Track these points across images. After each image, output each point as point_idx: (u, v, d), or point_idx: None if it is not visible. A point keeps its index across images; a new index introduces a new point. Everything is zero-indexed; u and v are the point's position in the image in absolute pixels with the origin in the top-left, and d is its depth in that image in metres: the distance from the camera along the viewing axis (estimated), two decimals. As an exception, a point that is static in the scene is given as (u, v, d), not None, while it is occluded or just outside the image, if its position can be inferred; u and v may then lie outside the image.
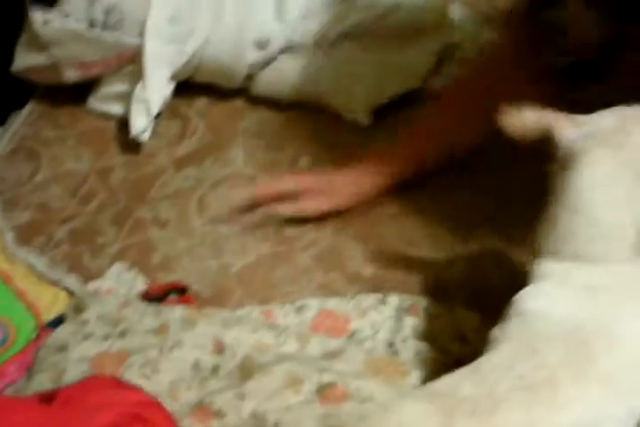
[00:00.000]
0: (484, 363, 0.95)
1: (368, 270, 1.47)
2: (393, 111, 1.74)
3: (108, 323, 1.35)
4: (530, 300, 0.98)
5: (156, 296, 1.45)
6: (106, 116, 1.86)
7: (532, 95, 1.15)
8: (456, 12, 1.89)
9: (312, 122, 1.79)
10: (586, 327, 0.92)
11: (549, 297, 0.97)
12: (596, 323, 0.92)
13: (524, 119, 1.06)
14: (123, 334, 1.33)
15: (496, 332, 1.00)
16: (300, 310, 1.39)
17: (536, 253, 1.03)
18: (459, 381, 0.93)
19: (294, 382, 1.19)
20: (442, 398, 0.91)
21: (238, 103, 1.86)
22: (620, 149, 0.98)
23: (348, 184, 1.53)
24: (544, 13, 1.26)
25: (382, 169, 1.52)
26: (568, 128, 1.02)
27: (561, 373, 0.88)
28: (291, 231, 1.56)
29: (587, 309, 0.93)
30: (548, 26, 1.25)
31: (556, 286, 0.98)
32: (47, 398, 1.13)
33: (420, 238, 1.51)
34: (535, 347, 0.92)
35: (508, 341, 0.96)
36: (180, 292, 1.47)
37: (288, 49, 1.78)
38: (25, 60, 1.83)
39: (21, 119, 1.89)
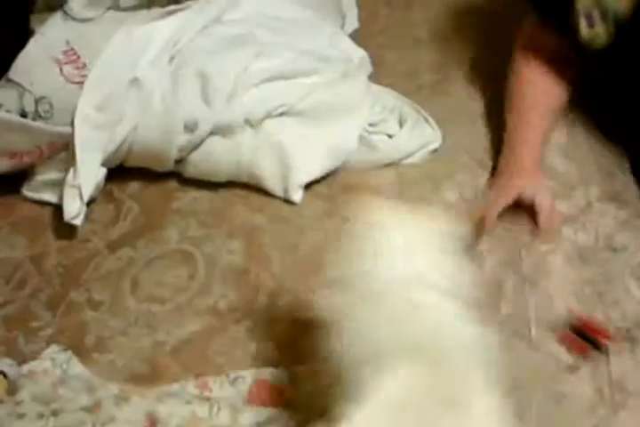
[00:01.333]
0: None
1: (302, 339, 1.48)
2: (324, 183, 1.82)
3: (42, 403, 1.35)
4: None
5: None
6: (40, 204, 1.88)
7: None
8: (375, 88, 1.96)
9: (244, 200, 1.83)
10: None
11: None
12: None
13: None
14: (56, 413, 1.33)
15: None
16: (234, 381, 1.40)
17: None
18: None
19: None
20: None
21: (171, 185, 1.90)
22: None
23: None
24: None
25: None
26: None
27: None
28: (224, 305, 1.57)
29: None
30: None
31: None
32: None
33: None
34: None
35: None
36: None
37: (217, 130, 1.82)
38: (-44, 152, 1.85)
39: (-45, 209, 1.91)
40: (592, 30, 1.48)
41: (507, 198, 1.55)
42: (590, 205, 1.60)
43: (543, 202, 1.53)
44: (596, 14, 1.45)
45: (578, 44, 1.53)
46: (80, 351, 1.53)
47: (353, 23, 2.36)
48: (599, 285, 1.43)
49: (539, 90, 1.70)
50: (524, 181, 1.57)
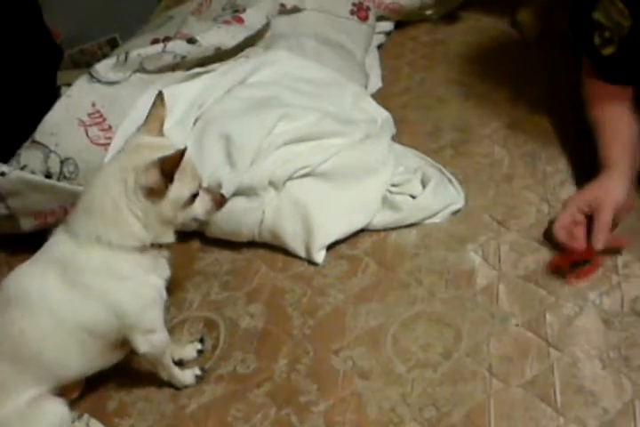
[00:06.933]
0: None
1: (322, 406, 1.46)
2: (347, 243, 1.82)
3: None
4: None
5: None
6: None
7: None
8: (398, 149, 1.97)
9: (267, 260, 1.83)
10: None
11: None
12: None
13: None
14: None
15: None
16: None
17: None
18: None
19: None
20: None
21: (194, 245, 1.91)
22: None
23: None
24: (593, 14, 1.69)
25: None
26: None
27: None
28: (244, 369, 1.56)
29: None
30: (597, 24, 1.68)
31: None
32: None
33: (373, 368, 1.51)
34: None
35: None
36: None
37: (240, 191, 1.83)
38: (-18, 213, 1.87)
39: (-22, 268, 1.91)
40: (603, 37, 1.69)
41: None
42: (616, 267, 1.58)
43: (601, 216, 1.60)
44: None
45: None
46: (101, 417, 1.52)
47: (376, 83, 2.39)
48: (624, 349, 1.41)
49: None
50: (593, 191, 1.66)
